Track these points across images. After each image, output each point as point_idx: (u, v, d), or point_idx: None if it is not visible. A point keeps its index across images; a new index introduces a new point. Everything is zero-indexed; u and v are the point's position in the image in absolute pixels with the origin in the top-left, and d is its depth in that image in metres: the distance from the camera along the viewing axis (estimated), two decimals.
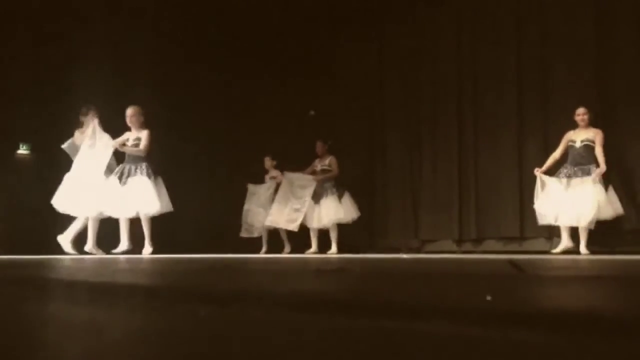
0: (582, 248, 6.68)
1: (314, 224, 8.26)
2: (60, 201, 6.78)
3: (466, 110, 8.38)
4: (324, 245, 8.39)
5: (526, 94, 7.86)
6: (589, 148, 6.80)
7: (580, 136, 6.90)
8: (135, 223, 7.03)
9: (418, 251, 8.52)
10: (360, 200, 8.69)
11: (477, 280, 2.53)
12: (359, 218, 8.43)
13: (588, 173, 6.74)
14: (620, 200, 6.72)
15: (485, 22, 8.29)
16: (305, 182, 8.37)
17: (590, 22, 7.40)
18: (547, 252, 6.96)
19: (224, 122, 9.52)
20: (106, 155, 6.92)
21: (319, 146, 8.59)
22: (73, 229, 6.88)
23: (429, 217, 8.60)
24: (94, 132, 6.98)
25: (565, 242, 6.82)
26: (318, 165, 8.56)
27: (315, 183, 8.31)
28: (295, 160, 8.82)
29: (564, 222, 6.79)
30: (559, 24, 7.66)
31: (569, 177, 6.84)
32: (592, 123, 6.92)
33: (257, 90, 9.74)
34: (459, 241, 8.33)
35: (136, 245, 6.98)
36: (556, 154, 7.07)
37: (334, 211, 8.25)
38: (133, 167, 7.00)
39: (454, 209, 8.33)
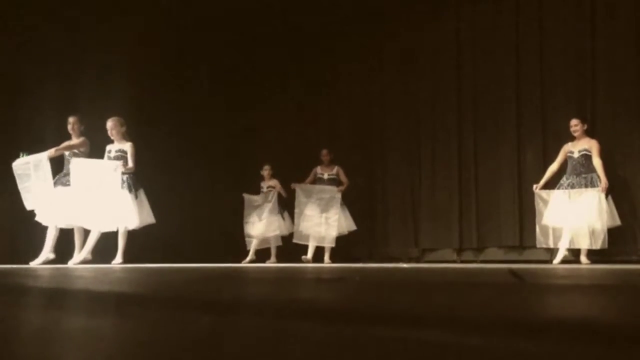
0: (583, 258, 6.69)
1: (322, 234, 8.09)
2: (52, 214, 6.74)
3: (466, 120, 8.39)
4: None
5: (525, 104, 7.87)
6: (587, 157, 6.84)
7: (577, 147, 6.93)
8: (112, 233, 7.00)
9: (418, 260, 8.50)
10: (360, 210, 8.67)
11: (478, 289, 2.53)
12: (360, 227, 8.38)
13: (591, 182, 6.76)
14: (619, 209, 6.74)
15: (484, 34, 8.31)
16: (328, 195, 8.12)
17: (588, 34, 7.44)
18: (547, 262, 6.95)
19: (218, 130, 9.53)
20: (117, 167, 6.87)
21: (325, 154, 8.39)
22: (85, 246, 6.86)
23: (429, 226, 8.59)
24: (82, 143, 6.98)
25: (563, 252, 6.80)
26: (324, 174, 8.36)
27: (339, 194, 8.14)
28: (290, 168, 8.78)
29: (569, 234, 6.74)
30: (557, 37, 7.69)
31: (572, 187, 6.84)
32: (587, 134, 6.96)
33: (253, 99, 9.75)
34: (459, 250, 8.32)
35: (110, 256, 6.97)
36: (554, 167, 7.09)
37: (342, 223, 8.13)
38: None
39: (453, 218, 8.32)
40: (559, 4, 7.75)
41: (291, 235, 8.39)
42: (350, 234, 8.34)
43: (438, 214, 8.49)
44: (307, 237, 8.15)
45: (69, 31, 8.07)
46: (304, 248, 8.21)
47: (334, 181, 8.33)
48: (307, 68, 9.78)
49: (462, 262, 8.09)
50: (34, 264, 6.63)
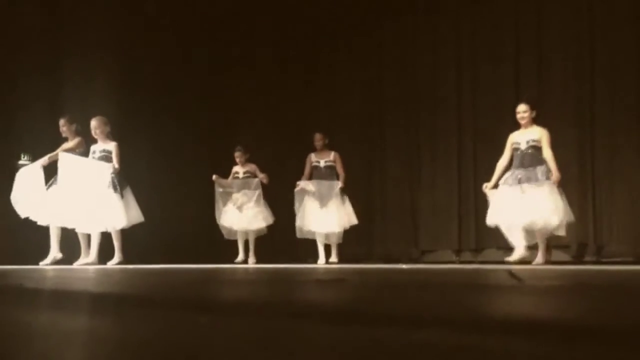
0: (540, 257, 6.08)
1: (323, 230, 7.64)
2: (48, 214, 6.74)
3: (465, 119, 8.40)
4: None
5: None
6: (536, 149, 6.13)
7: (525, 137, 6.21)
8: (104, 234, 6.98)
9: (417, 261, 8.50)
10: (360, 210, 8.65)
11: (476, 290, 2.54)
12: (359, 228, 8.32)
13: (542, 174, 6.06)
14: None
15: (483, 31, 8.32)
16: (326, 189, 7.63)
17: (586, 32, 7.46)
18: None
19: (214, 127, 9.48)
20: (107, 169, 6.85)
21: (318, 139, 7.74)
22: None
23: (429, 227, 8.59)
24: (79, 143, 6.96)
25: (521, 250, 6.08)
26: (320, 161, 7.73)
27: (338, 190, 7.64)
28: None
29: (520, 227, 6.08)
30: (555, 36, 7.70)
31: (519, 182, 6.13)
32: (536, 122, 6.26)
33: (245, 92, 9.68)
34: (458, 251, 8.33)
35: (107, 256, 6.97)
36: (503, 162, 6.38)
37: (344, 217, 7.68)
38: None
39: (453, 219, 8.32)
40: (558, 1, 7.78)
41: (269, 228, 8.06)
42: (350, 234, 8.24)
43: (438, 214, 8.50)
44: (310, 233, 7.77)
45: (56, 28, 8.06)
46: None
47: (332, 169, 7.74)
48: (303, 66, 9.77)
49: (461, 262, 8.09)
50: (43, 263, 6.66)
